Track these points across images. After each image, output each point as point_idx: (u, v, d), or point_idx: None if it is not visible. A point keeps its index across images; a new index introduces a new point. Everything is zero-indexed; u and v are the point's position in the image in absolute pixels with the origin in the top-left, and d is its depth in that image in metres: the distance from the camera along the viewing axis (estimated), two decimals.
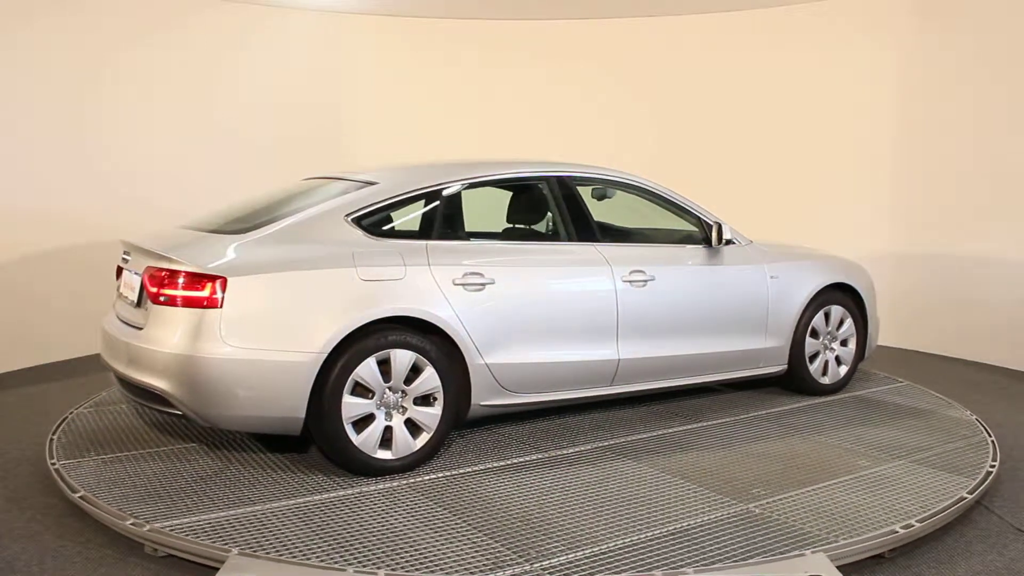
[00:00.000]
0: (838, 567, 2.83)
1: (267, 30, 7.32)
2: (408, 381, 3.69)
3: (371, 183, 3.99)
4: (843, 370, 5.17)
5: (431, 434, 3.75)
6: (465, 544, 2.99)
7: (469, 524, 3.16)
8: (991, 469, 3.77)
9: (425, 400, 3.75)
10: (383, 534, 3.06)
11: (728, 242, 4.66)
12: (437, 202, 4.01)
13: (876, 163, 6.97)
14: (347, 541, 3.00)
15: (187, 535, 3.01)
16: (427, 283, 3.75)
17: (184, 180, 6.73)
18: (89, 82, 6.27)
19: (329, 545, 2.96)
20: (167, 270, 3.51)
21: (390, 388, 3.66)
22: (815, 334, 5.02)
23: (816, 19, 7.13)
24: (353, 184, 4.07)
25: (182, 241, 3.78)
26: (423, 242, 3.88)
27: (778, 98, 7.37)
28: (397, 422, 3.68)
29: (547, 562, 2.85)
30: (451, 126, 7.83)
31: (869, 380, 5.48)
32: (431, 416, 3.75)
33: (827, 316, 5.06)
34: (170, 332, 3.44)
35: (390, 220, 3.99)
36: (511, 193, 4.44)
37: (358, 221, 3.79)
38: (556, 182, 4.37)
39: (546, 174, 4.40)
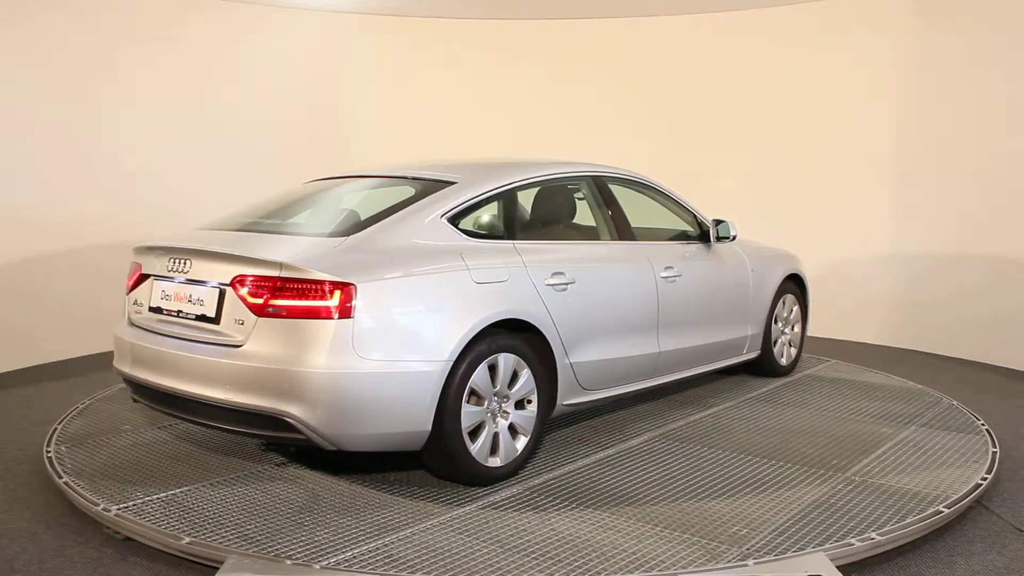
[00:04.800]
0: (841, 565, 2.91)
1: (267, 30, 7.09)
2: (508, 385, 3.61)
3: (447, 181, 3.81)
4: (793, 352, 5.75)
5: (528, 437, 3.68)
6: (657, 539, 3.00)
7: (638, 519, 3.17)
8: (987, 427, 4.41)
9: (519, 403, 3.68)
10: (566, 540, 2.98)
11: (734, 238, 5.01)
12: (516, 201, 3.92)
13: (876, 163, 7.02)
14: (539, 552, 2.89)
15: (368, 569, 2.74)
16: (526, 284, 3.67)
17: (183, 180, 6.69)
18: (87, 82, 6.20)
19: (526, 557, 2.84)
20: (278, 278, 3.12)
21: (496, 393, 3.55)
22: (776, 320, 5.54)
23: (816, 19, 7.19)
24: (422, 183, 3.86)
25: (274, 245, 3.37)
26: (510, 242, 3.78)
27: (778, 98, 7.43)
28: (502, 427, 3.58)
29: (747, 546, 2.94)
30: (451, 126, 7.71)
31: (801, 361, 6.10)
32: (528, 419, 3.69)
33: (783, 304, 5.61)
34: (292, 348, 3.07)
35: (478, 220, 3.84)
36: (569, 193, 4.44)
37: (452, 221, 3.62)
38: (604, 181, 4.45)
39: (596, 174, 4.46)
